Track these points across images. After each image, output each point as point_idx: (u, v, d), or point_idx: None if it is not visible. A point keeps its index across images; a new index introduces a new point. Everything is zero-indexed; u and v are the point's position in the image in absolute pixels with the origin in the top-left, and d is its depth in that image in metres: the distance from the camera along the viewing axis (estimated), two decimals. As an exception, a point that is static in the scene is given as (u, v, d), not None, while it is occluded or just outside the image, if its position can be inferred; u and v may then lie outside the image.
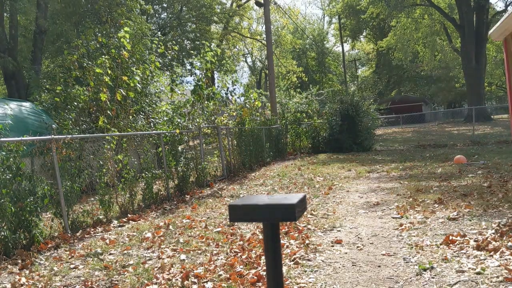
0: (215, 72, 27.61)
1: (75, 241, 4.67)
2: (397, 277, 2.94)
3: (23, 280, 3.36)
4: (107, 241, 4.48)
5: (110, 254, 4.01)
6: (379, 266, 3.18)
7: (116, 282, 3.21)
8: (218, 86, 10.39)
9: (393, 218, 4.68)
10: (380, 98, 42.86)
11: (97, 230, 5.13)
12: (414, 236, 3.87)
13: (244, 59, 48.42)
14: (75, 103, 8.00)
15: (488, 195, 5.28)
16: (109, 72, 7.66)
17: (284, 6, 46.69)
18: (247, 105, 11.75)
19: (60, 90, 7.98)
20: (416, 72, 42.14)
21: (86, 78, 8.07)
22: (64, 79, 8.51)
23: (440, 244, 3.50)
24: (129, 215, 5.86)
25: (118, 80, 7.88)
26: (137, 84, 8.15)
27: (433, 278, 2.83)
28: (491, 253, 3.14)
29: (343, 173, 8.99)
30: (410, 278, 2.89)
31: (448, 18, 29.16)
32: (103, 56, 7.78)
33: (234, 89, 10.80)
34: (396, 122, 30.75)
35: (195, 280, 3.10)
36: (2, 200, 4.07)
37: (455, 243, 3.47)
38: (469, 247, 3.36)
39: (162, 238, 4.46)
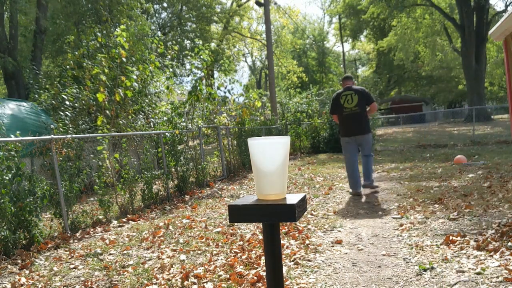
0: (215, 72, 27.59)
1: (75, 241, 4.66)
2: (397, 277, 2.93)
3: (23, 280, 3.35)
4: (107, 241, 4.48)
5: (110, 254, 4.00)
6: (379, 267, 3.18)
7: (115, 282, 3.21)
8: (216, 86, 10.38)
9: (393, 218, 4.68)
10: (381, 98, 42.89)
11: (96, 230, 5.12)
12: (414, 236, 3.86)
13: (244, 59, 48.44)
14: (69, 103, 7.97)
15: (488, 195, 5.27)
16: (106, 71, 7.63)
17: (284, 6, 46.66)
18: (246, 105, 11.74)
19: (56, 92, 7.97)
20: (416, 72, 42.17)
21: (84, 77, 8.07)
22: (60, 79, 8.49)
23: (440, 244, 3.50)
24: (128, 215, 5.85)
25: (118, 80, 7.87)
26: (134, 83, 8.11)
27: (433, 278, 2.83)
28: (491, 253, 3.13)
29: (343, 173, 8.98)
30: (410, 278, 2.89)
31: (448, 18, 29.18)
32: (100, 55, 7.75)
33: (232, 88, 10.81)
34: (396, 122, 30.77)
35: (195, 281, 3.09)
36: (2, 200, 4.07)
37: (455, 243, 3.47)
38: (469, 247, 3.35)
39: (162, 238, 4.45)
